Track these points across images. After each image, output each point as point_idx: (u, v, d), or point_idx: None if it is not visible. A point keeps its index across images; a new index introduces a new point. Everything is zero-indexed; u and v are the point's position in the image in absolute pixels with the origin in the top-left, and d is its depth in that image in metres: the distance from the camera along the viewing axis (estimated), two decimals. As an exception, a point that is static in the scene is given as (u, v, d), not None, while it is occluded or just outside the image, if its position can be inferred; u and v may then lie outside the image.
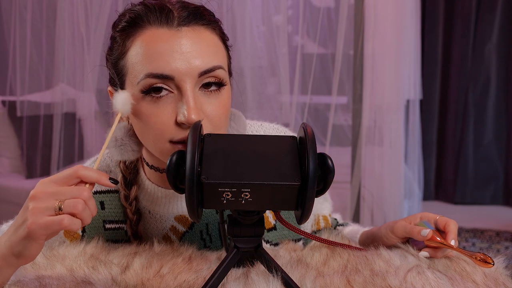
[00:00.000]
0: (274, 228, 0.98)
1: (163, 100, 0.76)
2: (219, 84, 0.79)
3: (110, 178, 0.69)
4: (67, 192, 0.65)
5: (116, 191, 0.92)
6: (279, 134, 1.01)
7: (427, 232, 0.81)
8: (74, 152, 2.93)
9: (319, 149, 0.65)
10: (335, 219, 1.11)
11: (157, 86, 0.75)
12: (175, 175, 0.65)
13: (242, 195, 0.63)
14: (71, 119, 2.96)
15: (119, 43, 0.80)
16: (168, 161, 0.66)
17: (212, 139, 0.67)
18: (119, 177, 0.92)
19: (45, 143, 2.96)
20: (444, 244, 0.80)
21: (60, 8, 2.79)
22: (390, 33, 2.43)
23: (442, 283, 0.71)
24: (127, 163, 0.91)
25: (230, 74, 0.85)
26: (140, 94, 0.77)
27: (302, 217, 0.65)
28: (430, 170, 4.06)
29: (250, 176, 0.63)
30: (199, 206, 0.64)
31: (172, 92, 0.76)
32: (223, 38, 0.83)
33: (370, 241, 0.94)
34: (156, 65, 0.75)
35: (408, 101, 3.14)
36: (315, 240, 0.86)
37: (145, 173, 0.92)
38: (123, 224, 0.93)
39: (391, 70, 2.45)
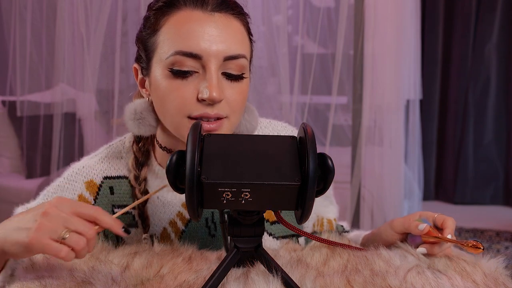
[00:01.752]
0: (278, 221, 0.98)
1: (188, 79, 0.80)
2: (240, 76, 0.83)
3: (123, 227, 0.71)
4: (76, 225, 0.68)
5: (125, 177, 0.94)
6: (287, 133, 1.03)
7: (424, 226, 0.82)
8: (74, 152, 2.93)
9: (319, 149, 0.65)
10: (342, 225, 1.10)
11: (184, 70, 0.79)
12: (175, 175, 0.65)
13: (242, 195, 0.63)
14: (71, 119, 2.96)
15: (152, 21, 0.84)
16: (168, 161, 0.66)
17: (212, 139, 0.67)
18: (129, 162, 0.93)
19: (45, 143, 2.96)
20: (440, 238, 0.80)
21: (60, 8, 2.79)
22: (390, 33, 2.43)
23: (442, 283, 0.71)
24: (140, 144, 0.93)
25: (249, 69, 0.89)
26: (167, 70, 0.80)
27: (302, 217, 0.65)
28: (430, 170, 4.06)
29: (250, 176, 0.63)
30: (199, 206, 0.64)
31: (197, 72, 0.80)
32: (249, 32, 0.87)
33: (371, 242, 0.94)
34: (186, 44, 0.79)
35: (408, 101, 3.14)
36: (315, 240, 0.86)
37: (156, 159, 0.94)
38: (131, 209, 0.93)
39: (391, 70, 2.45)
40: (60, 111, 2.91)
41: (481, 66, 3.97)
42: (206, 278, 0.69)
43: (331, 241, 0.86)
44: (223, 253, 0.85)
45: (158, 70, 0.82)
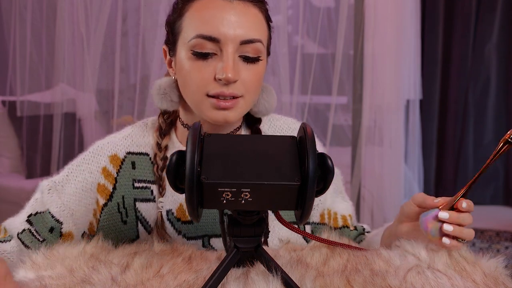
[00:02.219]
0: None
1: (208, 60, 0.87)
2: (256, 59, 0.89)
3: None
4: None
5: (147, 154, 1.00)
6: (297, 128, 1.06)
7: (438, 199, 0.85)
8: (74, 152, 2.93)
9: (319, 149, 0.66)
10: (362, 226, 1.10)
11: (205, 52, 0.87)
12: (175, 175, 0.65)
13: (242, 195, 0.63)
14: (71, 119, 2.96)
15: (179, 6, 0.91)
16: (168, 161, 0.66)
17: (212, 139, 0.67)
18: (154, 132, 1.01)
19: (45, 143, 2.96)
20: (457, 199, 0.83)
21: (60, 8, 2.79)
22: (390, 33, 2.43)
23: (442, 283, 0.71)
24: (165, 116, 1.01)
25: (268, 53, 0.97)
26: (189, 52, 0.88)
27: (302, 217, 0.65)
28: (430, 170, 4.06)
29: (250, 176, 0.63)
30: (199, 206, 0.64)
31: (216, 54, 0.87)
32: (267, 19, 0.94)
33: (394, 225, 0.94)
34: (207, 28, 0.86)
35: (408, 101, 3.14)
36: (315, 240, 0.86)
37: (177, 136, 1.01)
38: (150, 184, 0.98)
39: (391, 70, 2.45)
40: (60, 111, 2.91)
41: (481, 66, 3.97)
42: (206, 278, 0.69)
43: (331, 241, 0.86)
44: (223, 253, 0.85)
45: (182, 51, 0.89)
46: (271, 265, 0.70)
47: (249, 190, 0.62)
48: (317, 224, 1.06)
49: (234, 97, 0.88)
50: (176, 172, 0.65)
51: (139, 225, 0.97)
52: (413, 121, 3.11)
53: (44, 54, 3.02)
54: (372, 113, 2.44)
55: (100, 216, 0.97)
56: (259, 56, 0.90)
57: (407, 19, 2.63)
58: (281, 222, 0.77)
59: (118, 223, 0.97)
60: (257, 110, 0.98)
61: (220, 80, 0.86)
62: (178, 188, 0.67)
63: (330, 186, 1.06)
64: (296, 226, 0.84)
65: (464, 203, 0.83)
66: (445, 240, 0.81)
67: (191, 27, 0.88)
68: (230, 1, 0.87)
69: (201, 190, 0.63)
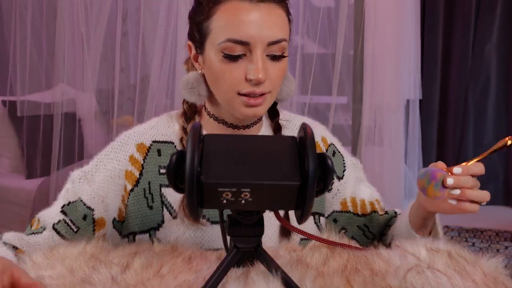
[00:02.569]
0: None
1: (238, 61, 0.92)
2: (282, 56, 0.94)
3: None
4: None
5: (172, 142, 1.04)
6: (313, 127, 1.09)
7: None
8: (74, 152, 2.93)
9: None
10: (395, 211, 1.15)
11: (236, 54, 0.91)
12: (175, 175, 0.65)
13: (242, 195, 0.63)
14: (71, 119, 2.96)
15: (204, 8, 0.94)
16: (168, 161, 0.66)
17: (212, 139, 0.67)
18: (179, 117, 1.04)
19: (45, 143, 2.96)
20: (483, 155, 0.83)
21: (60, 8, 2.79)
22: (390, 33, 2.43)
23: (442, 283, 0.71)
24: (189, 102, 1.04)
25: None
26: (219, 54, 0.92)
27: (302, 217, 0.65)
28: (430, 170, 4.06)
29: (250, 176, 0.63)
30: (199, 206, 0.64)
31: (246, 55, 0.91)
32: (289, 16, 0.98)
33: (414, 203, 0.99)
34: (236, 32, 0.90)
35: (408, 101, 3.14)
36: (315, 240, 0.86)
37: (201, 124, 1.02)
38: None
39: (391, 70, 2.45)
40: (60, 111, 2.91)
41: (481, 66, 3.97)
42: (206, 278, 0.69)
43: (331, 241, 0.86)
44: (223, 253, 0.85)
45: (211, 52, 0.93)
46: (271, 265, 0.70)
47: (249, 190, 0.62)
48: (339, 212, 1.11)
49: (262, 94, 0.93)
50: (176, 172, 0.65)
51: (164, 210, 1.00)
52: (413, 121, 3.11)
53: (44, 54, 3.02)
54: (372, 113, 2.44)
55: (127, 202, 1.01)
56: (283, 53, 0.95)
57: (407, 19, 2.63)
58: (281, 222, 0.77)
59: (144, 208, 1.00)
60: (280, 98, 1.04)
61: (251, 80, 0.91)
62: (178, 188, 0.67)
63: (351, 175, 1.13)
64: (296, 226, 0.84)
65: (458, 168, 0.85)
66: (452, 201, 0.85)
67: (220, 30, 0.91)
68: (256, 3, 0.91)
69: (201, 190, 0.63)
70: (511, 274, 0.78)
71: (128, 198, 1.00)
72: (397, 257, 0.81)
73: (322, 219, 1.09)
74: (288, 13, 0.98)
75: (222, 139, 0.68)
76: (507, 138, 0.80)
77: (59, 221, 0.97)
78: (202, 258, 0.82)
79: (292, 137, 0.69)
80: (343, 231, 1.12)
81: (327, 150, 1.11)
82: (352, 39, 2.43)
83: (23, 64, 2.98)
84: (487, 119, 4.03)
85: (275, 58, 0.93)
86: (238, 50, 0.91)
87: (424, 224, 0.99)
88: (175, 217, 0.99)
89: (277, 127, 1.07)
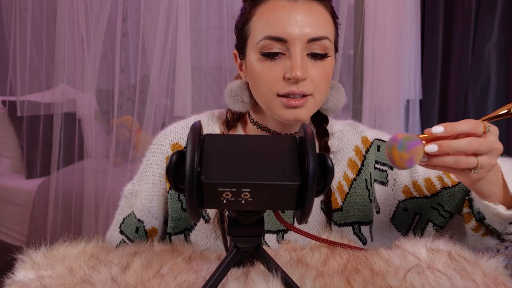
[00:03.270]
0: (340, 209, 1.01)
1: (276, 60, 0.90)
2: (324, 55, 0.91)
3: None
4: None
5: None
6: (358, 130, 1.09)
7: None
8: (74, 152, 2.93)
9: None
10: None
11: (273, 52, 0.89)
12: (175, 175, 0.65)
13: (242, 195, 0.63)
14: (71, 119, 2.96)
15: (247, 11, 0.95)
16: (168, 161, 0.66)
17: (212, 139, 0.67)
18: (219, 129, 1.04)
19: (45, 143, 2.96)
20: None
21: (60, 8, 2.79)
22: (390, 33, 2.43)
23: (442, 283, 0.71)
24: (233, 111, 1.03)
25: (336, 49, 0.98)
26: (259, 54, 0.90)
27: (302, 217, 0.65)
28: (430, 170, 4.06)
29: (250, 176, 0.63)
30: (199, 206, 0.64)
31: (284, 54, 0.89)
32: (333, 16, 0.96)
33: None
34: (274, 29, 0.88)
35: (408, 101, 3.14)
36: (315, 240, 0.86)
37: (245, 131, 1.04)
38: None
39: (391, 70, 2.46)
40: (60, 111, 2.90)
41: (481, 66, 3.97)
42: (206, 278, 0.69)
43: (331, 241, 0.86)
44: (223, 253, 0.85)
45: (251, 54, 0.92)
46: (271, 265, 0.70)
47: (249, 190, 0.62)
48: (404, 200, 1.05)
49: (304, 96, 0.90)
50: (176, 172, 0.65)
51: None
52: (413, 121, 3.11)
53: (44, 54, 3.01)
54: (372, 113, 2.44)
55: (168, 203, 1.02)
56: (327, 53, 0.91)
57: (407, 19, 2.63)
58: (281, 222, 0.77)
59: (179, 211, 1.00)
60: (326, 108, 1.01)
61: (289, 79, 0.88)
62: (178, 188, 0.67)
63: None
64: (296, 226, 0.84)
65: (439, 127, 0.81)
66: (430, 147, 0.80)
67: (258, 29, 0.91)
68: (295, 1, 0.90)
69: (201, 190, 0.63)
70: (511, 274, 0.78)
71: (168, 199, 1.01)
72: (397, 257, 0.81)
73: (364, 227, 1.02)
74: (332, 13, 0.95)
75: (222, 139, 0.68)
76: (510, 104, 0.78)
77: (120, 242, 1.00)
78: (202, 258, 0.82)
79: (292, 137, 0.69)
80: (418, 216, 1.05)
81: (370, 147, 1.06)
82: (352, 39, 2.43)
83: (23, 64, 2.98)
84: (487, 119, 4.03)
85: (316, 56, 0.90)
86: (275, 47, 0.89)
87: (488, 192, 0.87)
88: (207, 221, 0.99)
89: (324, 138, 1.03)
